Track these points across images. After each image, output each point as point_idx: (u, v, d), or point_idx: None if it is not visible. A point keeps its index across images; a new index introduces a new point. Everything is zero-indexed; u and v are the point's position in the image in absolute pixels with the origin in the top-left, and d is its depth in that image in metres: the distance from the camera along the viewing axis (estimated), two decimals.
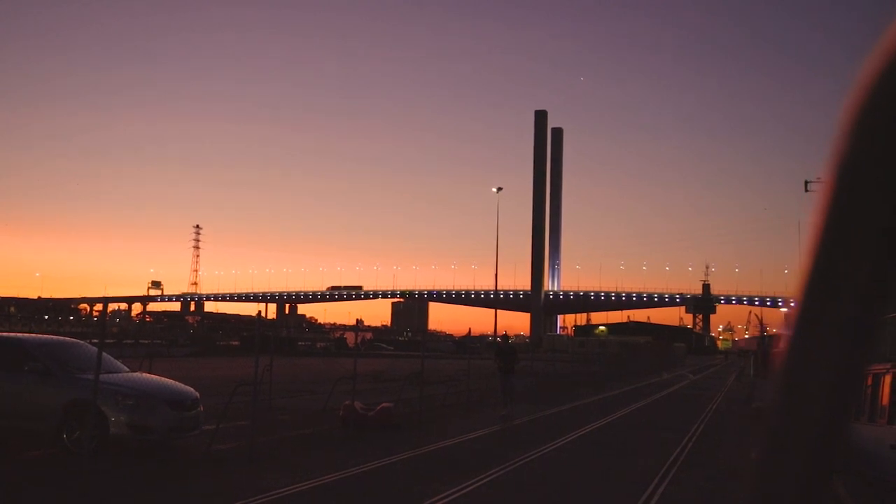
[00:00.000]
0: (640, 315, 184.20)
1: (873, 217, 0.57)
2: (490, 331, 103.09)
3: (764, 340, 52.29)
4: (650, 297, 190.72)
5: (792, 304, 0.60)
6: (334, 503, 9.99)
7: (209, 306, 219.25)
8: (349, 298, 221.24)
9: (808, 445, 0.59)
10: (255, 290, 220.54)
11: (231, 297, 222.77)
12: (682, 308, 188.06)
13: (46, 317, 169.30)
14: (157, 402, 12.35)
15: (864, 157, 0.57)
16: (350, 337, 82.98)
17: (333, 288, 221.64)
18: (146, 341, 59.13)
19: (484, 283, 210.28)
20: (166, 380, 14.03)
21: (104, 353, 11.92)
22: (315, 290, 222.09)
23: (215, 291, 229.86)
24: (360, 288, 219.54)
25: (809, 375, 0.59)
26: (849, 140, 0.58)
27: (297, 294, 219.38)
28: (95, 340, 12.47)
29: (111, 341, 47.68)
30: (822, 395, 0.59)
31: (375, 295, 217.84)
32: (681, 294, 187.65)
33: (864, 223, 0.57)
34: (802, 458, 0.59)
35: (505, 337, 23.88)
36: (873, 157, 0.57)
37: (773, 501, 0.61)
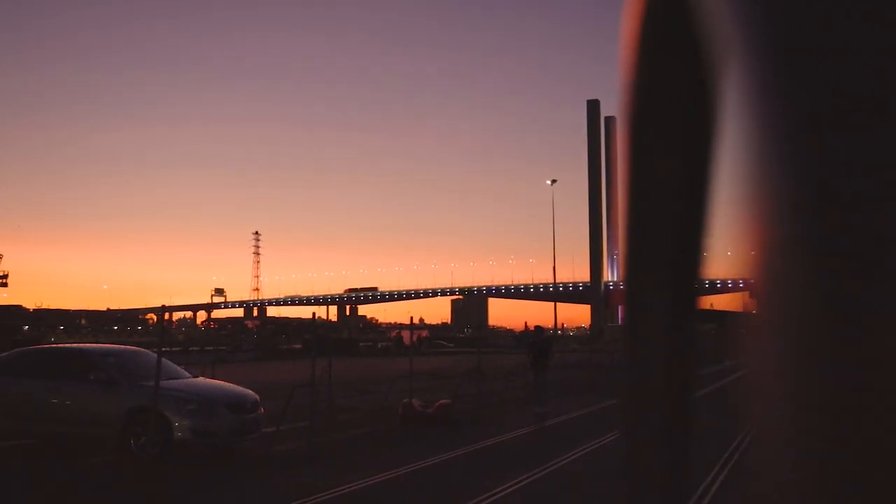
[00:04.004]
0: (703, 302, 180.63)
1: (667, 183, 0.56)
2: (550, 324, 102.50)
3: None
4: (712, 283, 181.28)
5: (621, 284, 0.61)
6: (392, 500, 10.08)
7: (272, 311, 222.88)
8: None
9: (655, 414, 0.60)
10: (316, 294, 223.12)
11: (291, 301, 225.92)
12: (747, 293, 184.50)
13: (116, 327, 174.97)
14: (218, 406, 12.58)
15: (644, 118, 0.57)
16: (406, 335, 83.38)
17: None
18: (210, 348, 60.51)
19: (542, 276, 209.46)
20: (226, 384, 14.33)
21: (166, 360, 12.21)
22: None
23: (276, 296, 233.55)
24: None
25: (643, 350, 0.60)
26: (629, 98, 0.57)
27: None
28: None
29: (177, 349, 49.00)
30: (655, 364, 0.59)
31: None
32: (744, 279, 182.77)
33: (660, 187, 0.57)
34: (652, 428, 0.60)
35: (538, 329, 21.83)
36: (653, 117, 0.56)
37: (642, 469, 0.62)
